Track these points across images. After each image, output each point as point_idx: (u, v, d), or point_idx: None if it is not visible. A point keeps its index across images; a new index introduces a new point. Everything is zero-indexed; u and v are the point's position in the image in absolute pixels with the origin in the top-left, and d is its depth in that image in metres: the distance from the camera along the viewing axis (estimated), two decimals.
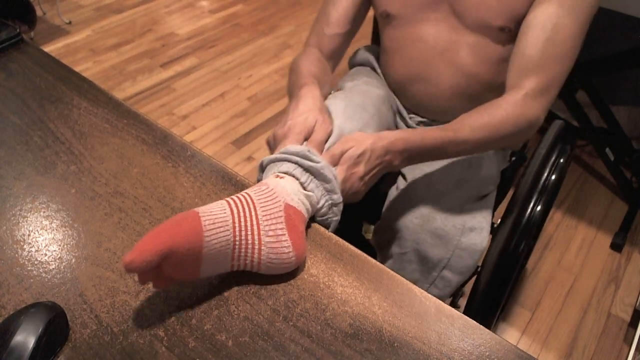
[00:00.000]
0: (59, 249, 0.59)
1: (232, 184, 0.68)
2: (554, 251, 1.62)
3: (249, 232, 0.53)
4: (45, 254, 0.58)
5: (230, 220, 0.52)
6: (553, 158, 0.95)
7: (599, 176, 1.88)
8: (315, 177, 0.62)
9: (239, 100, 2.19)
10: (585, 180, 1.87)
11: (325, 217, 0.64)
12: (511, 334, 1.38)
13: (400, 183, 0.86)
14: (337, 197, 0.63)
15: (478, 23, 0.81)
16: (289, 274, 0.57)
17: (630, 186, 1.77)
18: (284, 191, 0.57)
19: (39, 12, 2.64)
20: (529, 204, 0.90)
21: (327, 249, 0.60)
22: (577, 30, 0.73)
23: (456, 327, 0.52)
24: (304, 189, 0.61)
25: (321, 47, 0.92)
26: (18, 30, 0.92)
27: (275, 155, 0.64)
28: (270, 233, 0.54)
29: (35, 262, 0.58)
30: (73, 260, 0.58)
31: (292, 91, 0.80)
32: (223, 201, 0.55)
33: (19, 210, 0.64)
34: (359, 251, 0.60)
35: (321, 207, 0.62)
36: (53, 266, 0.57)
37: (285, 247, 0.54)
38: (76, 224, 0.62)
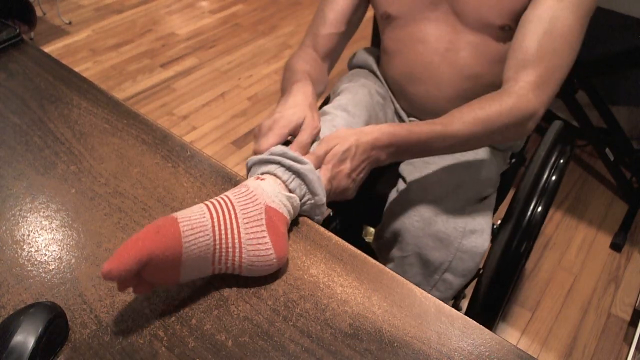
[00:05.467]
0: (58, 249, 0.59)
1: (232, 184, 0.68)
2: (554, 251, 1.62)
3: (229, 236, 0.53)
4: (45, 254, 0.58)
5: (210, 225, 0.52)
6: (553, 159, 0.95)
7: (599, 176, 1.88)
8: (297, 177, 0.61)
9: (239, 100, 2.19)
10: (585, 180, 1.87)
11: (308, 217, 0.64)
12: (511, 334, 1.38)
13: (401, 185, 0.86)
14: (319, 199, 0.63)
15: (479, 22, 0.80)
16: (289, 274, 0.57)
17: (630, 186, 1.77)
18: (264, 193, 0.57)
19: (39, 13, 2.64)
20: (530, 206, 0.90)
21: (327, 249, 0.60)
22: (576, 24, 0.72)
23: (456, 327, 0.52)
24: (287, 187, 0.61)
25: (316, 48, 0.91)
26: (18, 30, 0.92)
27: (259, 157, 0.63)
28: (251, 235, 0.54)
29: (35, 262, 0.58)
30: (73, 260, 0.58)
31: (284, 88, 0.80)
32: (202, 205, 0.55)
33: (18, 210, 0.64)
34: (358, 251, 0.60)
35: (303, 205, 0.62)
36: (53, 266, 0.57)
37: (266, 248, 0.54)
38: (76, 224, 0.62)
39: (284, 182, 0.60)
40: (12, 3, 2.15)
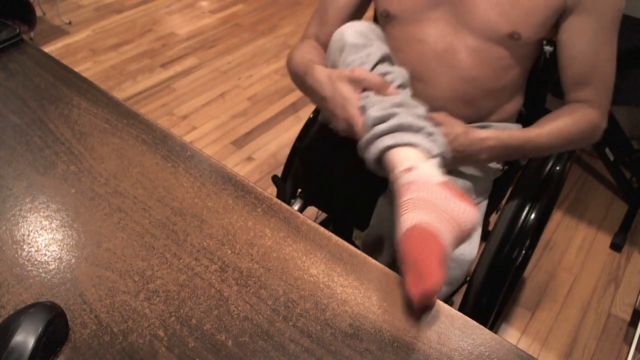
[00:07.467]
0: (58, 249, 0.59)
1: (232, 184, 0.68)
2: (554, 251, 1.62)
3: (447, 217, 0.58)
4: (45, 254, 0.58)
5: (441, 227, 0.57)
6: (550, 163, 0.94)
7: (599, 176, 1.88)
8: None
9: (239, 100, 2.19)
10: (585, 180, 1.87)
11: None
12: (511, 334, 1.38)
13: (390, 189, 0.85)
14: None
15: (485, 27, 0.79)
16: (289, 274, 0.57)
17: (630, 186, 1.77)
18: (423, 177, 0.62)
19: (39, 13, 2.64)
20: (522, 212, 0.89)
21: (327, 249, 0.60)
22: (613, 42, 0.84)
23: (456, 327, 0.52)
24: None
25: (317, 41, 0.94)
26: (18, 30, 0.92)
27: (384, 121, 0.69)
28: (453, 205, 0.58)
29: (35, 262, 0.58)
30: (73, 260, 0.58)
31: (303, 84, 0.83)
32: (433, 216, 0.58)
33: (18, 210, 0.64)
34: (359, 251, 0.60)
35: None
36: (53, 266, 0.57)
37: (467, 206, 0.60)
38: (76, 224, 0.62)
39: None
40: (12, 3, 2.15)
